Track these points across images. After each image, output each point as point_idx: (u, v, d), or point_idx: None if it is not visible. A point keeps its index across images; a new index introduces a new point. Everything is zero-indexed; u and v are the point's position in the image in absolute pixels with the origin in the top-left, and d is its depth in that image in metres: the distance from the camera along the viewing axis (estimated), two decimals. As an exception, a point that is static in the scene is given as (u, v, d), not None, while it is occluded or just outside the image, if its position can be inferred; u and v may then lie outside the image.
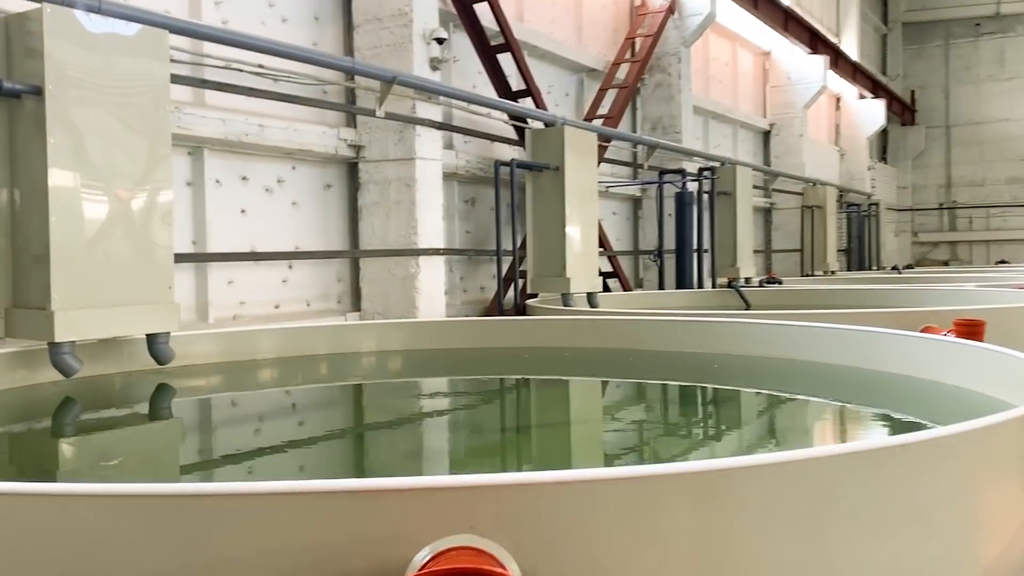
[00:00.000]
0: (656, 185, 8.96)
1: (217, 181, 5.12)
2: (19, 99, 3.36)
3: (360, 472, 2.61)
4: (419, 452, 2.90)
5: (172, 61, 4.60)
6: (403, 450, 2.91)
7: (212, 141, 4.95)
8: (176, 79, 4.57)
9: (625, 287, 8.65)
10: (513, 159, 6.36)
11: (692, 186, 8.93)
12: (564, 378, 4.39)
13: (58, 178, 3.30)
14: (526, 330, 4.84)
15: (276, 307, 5.47)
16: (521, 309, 6.33)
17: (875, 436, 2.86)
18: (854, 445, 1.61)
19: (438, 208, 5.78)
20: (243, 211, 5.28)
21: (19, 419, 3.27)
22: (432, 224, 5.67)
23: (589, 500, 1.29)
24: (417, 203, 5.54)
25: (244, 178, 5.29)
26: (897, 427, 2.89)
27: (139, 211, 3.59)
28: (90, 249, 3.41)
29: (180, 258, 4.84)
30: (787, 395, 3.71)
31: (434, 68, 5.69)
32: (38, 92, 3.28)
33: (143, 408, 3.60)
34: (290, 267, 5.56)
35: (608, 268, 8.51)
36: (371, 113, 5.32)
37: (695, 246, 8.87)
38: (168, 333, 3.74)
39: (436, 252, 5.68)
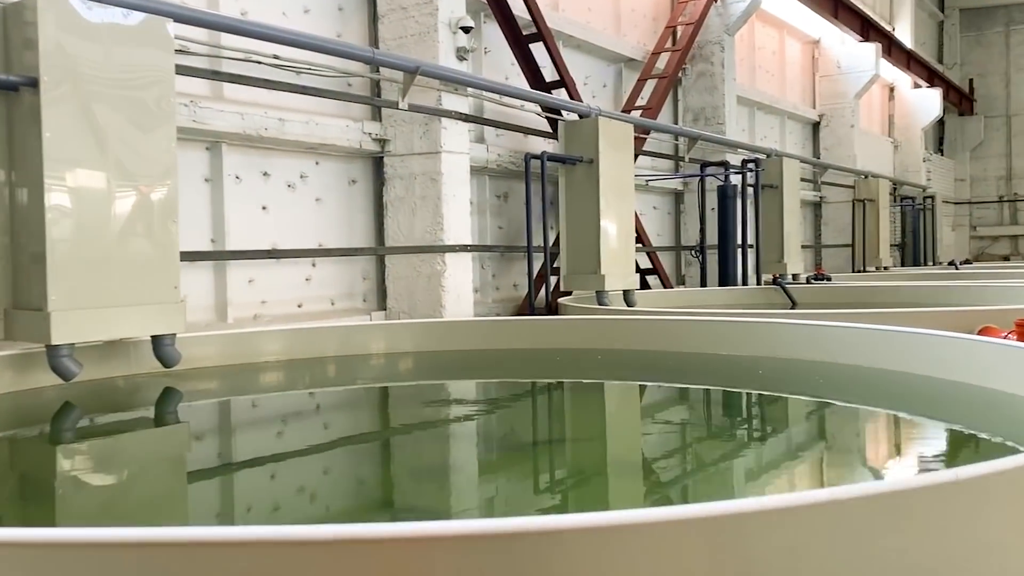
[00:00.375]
0: (698, 178, 8.64)
1: (236, 177, 4.97)
2: (17, 92, 3.23)
3: (387, 489, 2.40)
4: (437, 466, 2.68)
5: (188, 53, 4.49)
6: (420, 464, 2.70)
7: (230, 136, 4.80)
8: (192, 72, 4.44)
9: (665, 284, 8.35)
10: (544, 152, 6.12)
11: (736, 179, 8.60)
12: (592, 382, 4.15)
13: (54, 173, 3.16)
14: (554, 330, 4.61)
15: (299, 306, 5.31)
16: (553, 308, 6.09)
17: (933, 456, 2.57)
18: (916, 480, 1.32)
19: (465, 203, 5.57)
20: (264, 208, 5.13)
21: (15, 425, 3.13)
22: (459, 220, 5.46)
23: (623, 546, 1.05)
24: (443, 198, 5.34)
25: (265, 174, 5.14)
26: (960, 444, 2.60)
27: (142, 208, 3.44)
28: (89, 248, 3.27)
29: (198, 256, 4.72)
30: (839, 404, 3.40)
31: (460, 58, 5.48)
32: (34, 84, 3.15)
33: (146, 413, 3.45)
34: (313, 265, 5.40)
35: (647, 264, 8.23)
36: (394, 105, 5.13)
37: (739, 241, 8.53)
38: (174, 335, 3.59)
39: (463, 249, 5.47)
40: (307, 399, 3.84)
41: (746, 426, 3.20)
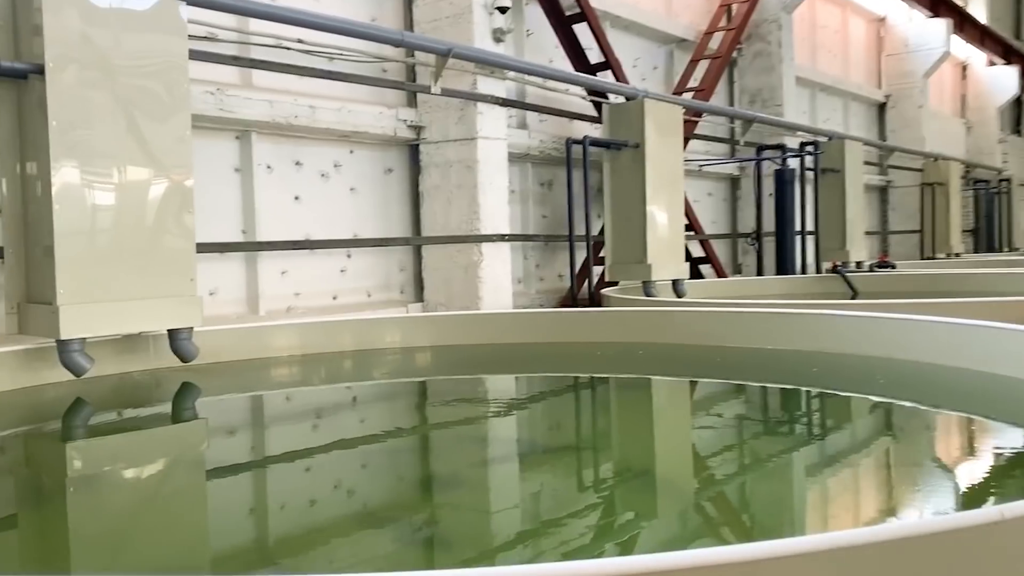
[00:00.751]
0: (754, 163, 8.29)
1: (268, 167, 4.86)
2: (26, 80, 3.14)
3: (420, 489, 2.23)
4: (474, 465, 2.50)
5: (215, 40, 4.38)
6: (453, 463, 2.52)
7: (259, 124, 4.69)
8: (219, 59, 4.34)
9: (719, 273, 8.04)
10: (586, 136, 5.89)
11: (794, 163, 8.22)
12: (629, 377, 3.92)
13: (61, 164, 3.06)
14: (593, 323, 4.39)
15: (334, 298, 5.19)
16: (595, 299, 5.86)
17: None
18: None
19: (503, 191, 5.37)
20: (297, 198, 5.02)
21: (26, 422, 3.05)
22: (496, 208, 5.27)
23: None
24: (479, 186, 5.15)
25: (297, 163, 5.02)
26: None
27: (155, 199, 3.33)
28: (99, 240, 3.17)
29: (228, 248, 4.63)
30: (906, 406, 3.08)
31: (497, 40, 5.28)
32: (41, 71, 3.05)
33: (164, 409, 3.35)
34: (348, 256, 5.27)
35: (701, 253, 7.93)
36: (427, 90, 4.96)
37: (798, 228, 8.16)
38: (191, 329, 3.48)
39: (500, 238, 5.28)
40: (338, 394, 3.69)
41: (804, 432, 2.87)
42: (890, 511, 1.90)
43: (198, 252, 4.42)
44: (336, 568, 1.57)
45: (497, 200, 5.27)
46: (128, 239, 3.24)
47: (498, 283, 5.25)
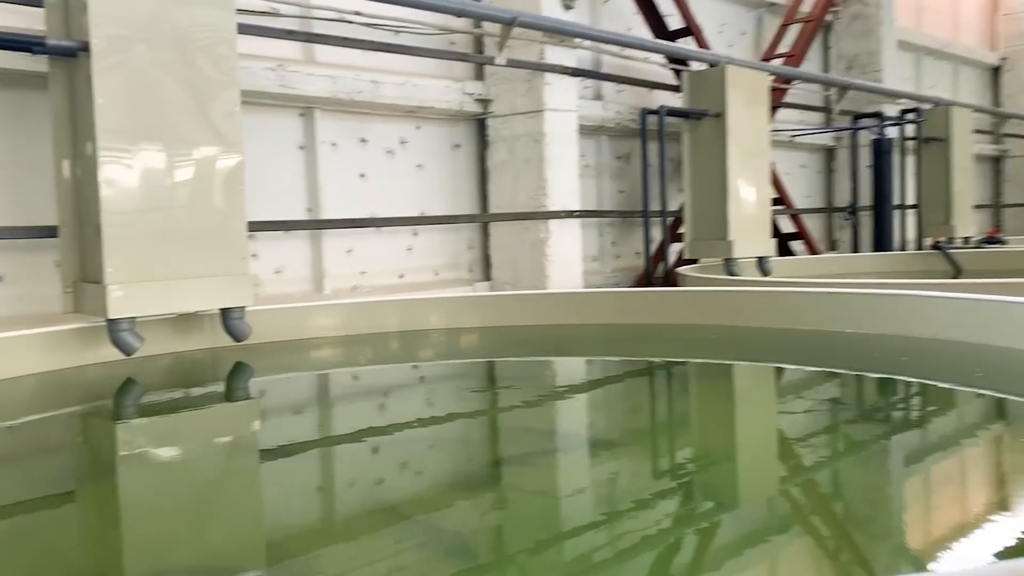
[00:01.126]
0: (850, 132, 7.81)
1: (333, 144, 4.80)
2: (76, 58, 3.13)
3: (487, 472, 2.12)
4: (539, 451, 2.37)
5: (276, 15, 4.33)
6: (519, 447, 2.39)
7: (322, 101, 4.62)
8: (279, 34, 4.29)
9: (811, 250, 7.64)
10: (662, 106, 5.62)
11: (893, 132, 7.71)
12: (703, 362, 3.69)
13: (107, 141, 3.04)
14: (664, 304, 4.17)
15: (400, 277, 5.12)
16: (671, 278, 5.62)
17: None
18: None
19: (573, 165, 5.17)
20: (362, 175, 4.95)
21: (81, 400, 3.07)
22: (565, 183, 5.08)
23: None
24: (547, 160, 4.97)
25: (363, 140, 4.95)
26: None
27: (204, 176, 3.29)
28: (147, 219, 3.15)
29: (293, 226, 4.60)
30: (1009, 399, 2.75)
31: (567, 7, 5.06)
32: (87, 49, 3.03)
33: (217, 388, 3.32)
34: (415, 234, 5.18)
35: (791, 229, 7.54)
36: (491, 61, 4.79)
37: (897, 201, 7.66)
38: (243, 308, 3.45)
39: (568, 215, 5.09)
40: (397, 375, 3.58)
41: (893, 427, 2.53)
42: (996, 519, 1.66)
43: (262, 230, 4.44)
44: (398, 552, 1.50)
45: (566, 175, 5.08)
46: (177, 217, 3.22)
47: (566, 261, 5.07)
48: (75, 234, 3.23)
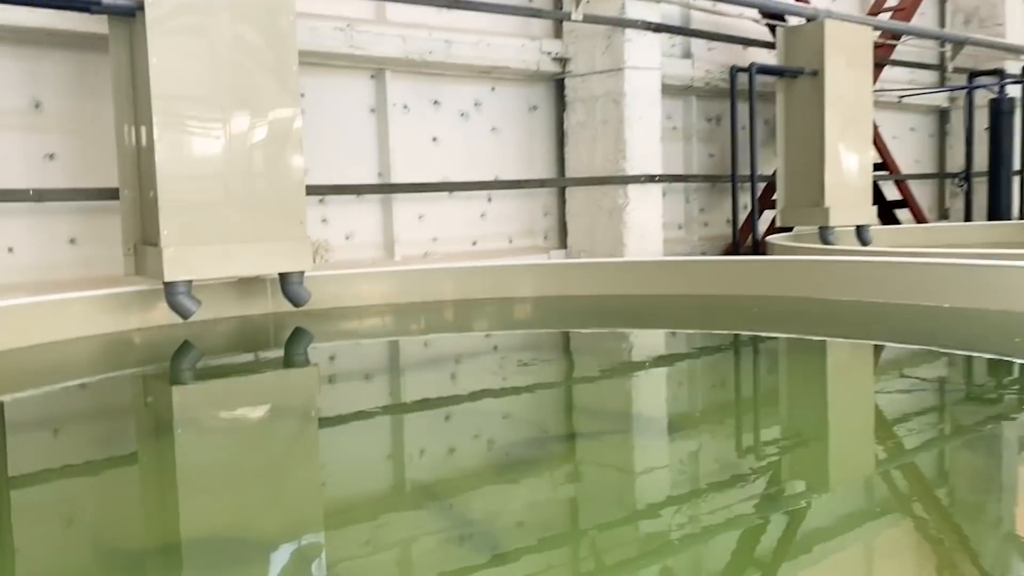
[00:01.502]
0: (965, 92, 7.22)
1: (404, 106, 4.69)
2: (135, 18, 3.09)
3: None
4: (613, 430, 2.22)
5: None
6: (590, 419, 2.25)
7: (392, 62, 4.50)
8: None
9: (918, 219, 7.14)
10: (752, 63, 5.27)
11: (1014, 91, 7.08)
12: (790, 338, 3.43)
13: (163, 103, 2.99)
14: (748, 273, 3.92)
15: (473, 243, 4.99)
16: (760, 247, 5.30)
17: None
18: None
19: (654, 127, 4.91)
20: (434, 139, 4.82)
21: (139, 363, 3.07)
22: (646, 146, 4.83)
23: None
24: (626, 121, 4.72)
25: (435, 102, 4.82)
26: None
27: (260, 139, 3.21)
28: (203, 182, 3.10)
29: (363, 190, 4.52)
30: None
31: (650, -42, 4.78)
32: (143, 8, 2.98)
33: (274, 353, 3.27)
34: (489, 200, 5.04)
35: (897, 196, 7.06)
36: (567, 17, 4.56)
37: (1016, 167, 7.06)
38: (302, 273, 3.38)
39: (649, 179, 4.84)
40: (465, 343, 3.46)
41: (1001, 410, 2.26)
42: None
43: (332, 194, 4.38)
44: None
45: (646, 137, 4.82)
46: (233, 181, 3.16)
47: (645, 229, 4.83)
48: (135, 197, 3.22)
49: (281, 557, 1.36)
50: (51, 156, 3.61)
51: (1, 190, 3.41)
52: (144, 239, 3.22)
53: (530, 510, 1.53)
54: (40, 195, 3.48)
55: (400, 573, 1.32)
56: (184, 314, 3.09)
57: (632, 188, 4.76)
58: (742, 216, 5.87)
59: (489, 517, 1.50)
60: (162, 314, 3.20)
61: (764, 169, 5.87)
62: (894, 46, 6.72)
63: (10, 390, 2.56)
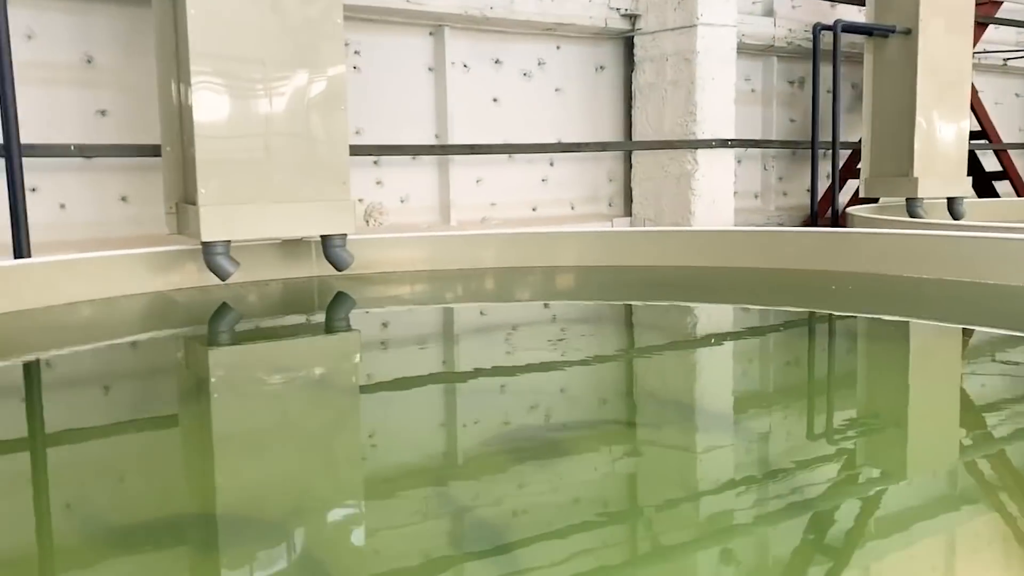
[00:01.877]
0: (1079, 54, 6.63)
1: (464, 65, 4.52)
2: (175, -30, 3.00)
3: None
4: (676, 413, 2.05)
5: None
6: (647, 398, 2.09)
7: (452, 18, 4.33)
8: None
9: (1020, 191, 6.62)
10: (837, 21, 4.90)
11: None
12: (865, 317, 3.16)
13: (201, 61, 2.89)
14: (828, 247, 3.63)
15: (533, 209, 4.81)
16: (841, 219, 4.97)
17: None
18: None
19: (728, 88, 4.62)
20: (495, 99, 4.64)
21: (173, 324, 3.01)
22: (718, 108, 4.54)
23: None
24: (697, 82, 4.45)
25: (497, 61, 4.63)
26: None
27: (303, 98, 3.09)
28: (242, 141, 3.00)
29: (419, 151, 4.39)
30: None
31: (728, -94, 4.46)
32: (181, -43, 2.88)
33: (316, 318, 3.18)
34: (551, 164, 4.84)
35: (997, 167, 6.56)
36: (636, -30, 4.30)
37: None
38: (344, 236, 3.27)
39: (721, 144, 4.56)
40: (516, 313, 3.30)
41: None
42: None
43: (386, 155, 4.26)
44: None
45: (719, 99, 4.54)
46: (273, 140, 3.05)
47: (715, 196, 4.57)
48: (176, 155, 3.15)
49: (316, 526, 1.28)
50: (103, 112, 3.58)
51: (51, 145, 3.39)
52: (185, 197, 3.15)
53: (586, 487, 1.42)
54: (88, 150, 3.45)
55: (436, 548, 1.21)
56: (222, 275, 3.02)
57: (702, 153, 4.50)
58: (823, 186, 5.52)
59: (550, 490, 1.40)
60: (205, 275, 3.14)
61: (848, 136, 5.50)
62: (1000, 3, 6.20)
63: (49, 347, 2.53)
